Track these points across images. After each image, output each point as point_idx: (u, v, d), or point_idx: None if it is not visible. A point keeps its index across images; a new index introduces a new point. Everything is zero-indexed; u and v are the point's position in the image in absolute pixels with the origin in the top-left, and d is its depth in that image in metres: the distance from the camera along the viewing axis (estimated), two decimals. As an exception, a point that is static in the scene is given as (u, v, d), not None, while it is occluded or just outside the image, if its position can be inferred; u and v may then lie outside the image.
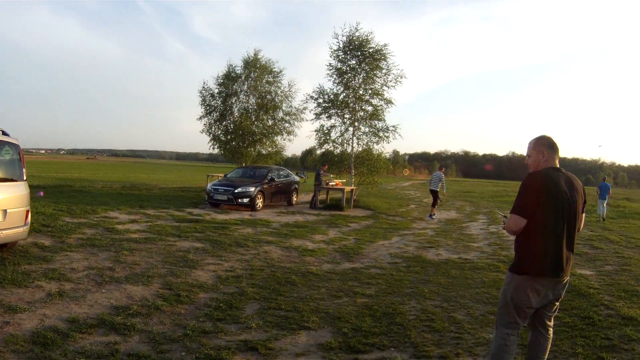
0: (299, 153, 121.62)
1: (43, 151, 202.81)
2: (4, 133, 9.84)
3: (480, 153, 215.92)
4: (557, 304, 4.69)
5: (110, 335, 5.90)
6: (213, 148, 35.21)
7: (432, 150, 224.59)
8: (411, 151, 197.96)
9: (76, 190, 26.25)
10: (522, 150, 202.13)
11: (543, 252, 4.32)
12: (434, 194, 24.43)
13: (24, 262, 9.12)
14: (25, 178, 9.94)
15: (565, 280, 4.51)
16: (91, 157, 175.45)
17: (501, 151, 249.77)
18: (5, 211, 8.93)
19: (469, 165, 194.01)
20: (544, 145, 4.62)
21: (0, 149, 9.59)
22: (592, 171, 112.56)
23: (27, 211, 9.68)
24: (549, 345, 4.81)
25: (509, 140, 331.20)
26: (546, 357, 4.80)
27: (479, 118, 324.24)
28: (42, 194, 20.43)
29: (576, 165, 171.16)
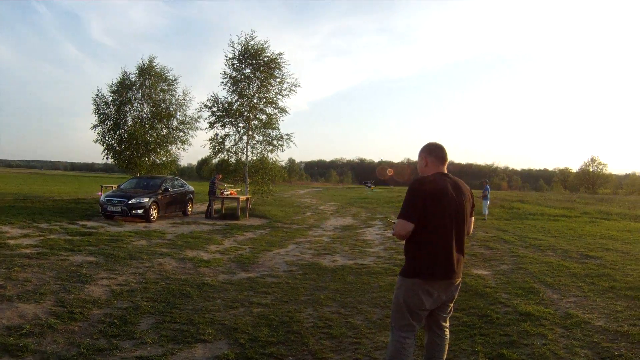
0: (194, 162, 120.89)
1: None
2: None
3: (376, 160, 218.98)
4: (451, 305, 4.72)
5: (3, 358, 5.63)
6: (107, 158, 34.19)
7: (328, 158, 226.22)
8: (307, 159, 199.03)
9: (-38, 203, 25.20)
10: (416, 156, 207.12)
11: (433, 255, 4.35)
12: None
13: None
14: None
15: (458, 281, 4.55)
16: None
17: (397, 158, 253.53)
18: None
19: (365, 172, 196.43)
20: (427, 152, 4.73)
21: None
22: (486, 175, 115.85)
23: None
24: (447, 346, 4.85)
25: (405, 147, 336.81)
26: (444, 357, 4.83)
27: (373, 126, 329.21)
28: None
29: (470, 170, 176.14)
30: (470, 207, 4.71)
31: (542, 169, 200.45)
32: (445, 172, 4.68)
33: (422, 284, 4.38)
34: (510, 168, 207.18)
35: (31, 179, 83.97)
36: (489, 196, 30.04)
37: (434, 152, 4.70)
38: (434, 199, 4.33)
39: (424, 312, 4.49)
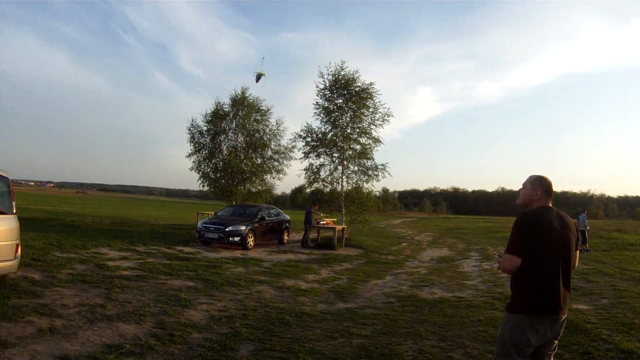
0: (288, 191, 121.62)
1: (32, 183, 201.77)
2: None
3: (470, 189, 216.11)
4: (556, 342, 4.60)
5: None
6: (203, 186, 35.07)
7: (421, 187, 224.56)
8: (400, 188, 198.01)
9: (66, 224, 26.14)
10: (511, 185, 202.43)
11: (539, 290, 4.30)
12: (583, 233, 26.69)
13: (13, 296, 8.98)
14: (14, 211, 9.78)
15: (563, 317, 4.46)
16: (81, 191, 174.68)
17: (490, 187, 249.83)
18: None
19: (459, 202, 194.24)
20: (542, 186, 4.60)
21: None
22: (581, 204, 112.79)
23: (17, 245, 9.48)
24: None
25: (498, 176, 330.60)
26: None
27: (466, 154, 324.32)
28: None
29: (565, 198, 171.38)
30: (575, 240, 4.60)
31: (638, 195, 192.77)
32: (550, 205, 4.60)
33: (528, 320, 4.31)
34: (607, 195, 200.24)
35: (127, 203, 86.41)
36: (586, 226, 28.99)
37: (544, 184, 4.59)
38: (541, 233, 4.30)
39: (529, 349, 4.39)
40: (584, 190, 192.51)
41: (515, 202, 4.84)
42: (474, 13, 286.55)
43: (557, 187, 4.67)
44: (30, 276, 11.01)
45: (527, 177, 4.73)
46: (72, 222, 27.33)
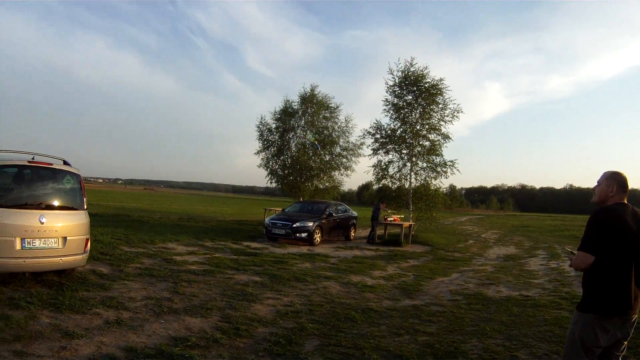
0: (355, 188, 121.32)
1: (101, 180, 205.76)
2: (65, 162, 10.23)
3: (537, 186, 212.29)
4: (626, 343, 4.58)
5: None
6: (271, 182, 35.56)
7: (488, 184, 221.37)
8: (467, 185, 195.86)
9: (134, 219, 26.81)
10: (579, 183, 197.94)
11: (611, 289, 4.28)
12: None
13: (82, 289, 9.30)
14: (85, 207, 10.17)
15: (634, 318, 4.44)
16: (149, 188, 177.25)
17: (558, 184, 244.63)
18: (65, 238, 9.21)
19: (526, 199, 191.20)
20: (617, 182, 4.58)
21: (61, 178, 9.95)
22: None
23: (87, 239, 9.90)
24: None
25: (567, 173, 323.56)
26: None
27: (533, 150, 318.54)
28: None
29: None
30: None
31: None
32: (626, 202, 4.59)
33: (598, 319, 4.33)
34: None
35: (194, 199, 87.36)
36: None
37: (619, 180, 4.59)
38: (615, 231, 4.29)
39: (598, 349, 4.41)
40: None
41: (590, 200, 4.83)
42: (540, 7, 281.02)
43: (633, 184, 4.64)
44: (98, 270, 11.39)
45: (602, 173, 4.72)
46: (139, 218, 27.98)
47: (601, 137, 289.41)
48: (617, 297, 4.29)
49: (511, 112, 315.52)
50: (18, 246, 8.53)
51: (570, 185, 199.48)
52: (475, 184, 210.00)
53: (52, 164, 9.69)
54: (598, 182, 4.71)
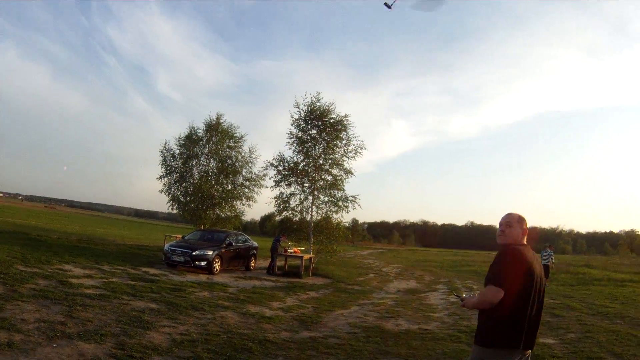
0: (257, 218, 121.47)
1: (0, 194, 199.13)
2: None
3: (439, 223, 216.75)
4: None
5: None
6: (172, 208, 35.06)
7: (391, 219, 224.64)
8: (370, 220, 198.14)
9: (32, 238, 25.77)
10: (480, 220, 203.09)
11: (514, 324, 4.36)
12: (546, 267, 26.10)
13: None
14: None
15: (529, 354, 4.54)
16: (49, 206, 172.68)
17: (460, 221, 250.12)
18: None
19: (428, 234, 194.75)
20: (524, 223, 4.77)
21: None
22: (550, 239, 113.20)
23: None
24: None
25: (468, 210, 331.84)
26: None
27: (437, 188, 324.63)
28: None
29: (534, 233, 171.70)
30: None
31: (607, 231, 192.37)
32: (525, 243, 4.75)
33: (498, 354, 4.36)
34: (575, 231, 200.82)
35: (95, 221, 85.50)
36: (550, 261, 28.68)
37: (526, 225, 4.78)
38: (526, 268, 4.43)
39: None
40: (554, 225, 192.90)
41: (497, 240, 4.83)
42: (452, 48, 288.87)
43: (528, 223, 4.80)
44: (-9, 289, 10.79)
45: (507, 215, 4.86)
46: (38, 237, 27.00)
47: (501, 178, 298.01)
48: (519, 333, 4.35)
49: (417, 150, 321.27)
50: None
51: (471, 222, 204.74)
52: (378, 219, 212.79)
53: None
54: (507, 224, 4.79)
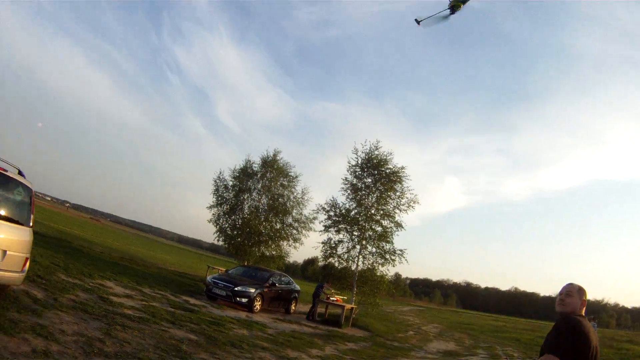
0: (300, 261, 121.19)
1: (49, 198, 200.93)
2: (20, 173, 9.74)
3: (482, 285, 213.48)
4: None
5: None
6: (218, 240, 35.09)
7: (433, 277, 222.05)
8: (413, 275, 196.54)
9: (75, 248, 26.17)
10: (524, 287, 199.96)
11: None
12: None
13: (13, 309, 8.87)
14: (31, 224, 9.60)
15: None
16: (95, 218, 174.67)
17: (504, 285, 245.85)
18: (4, 252, 8.53)
19: (470, 296, 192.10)
20: (584, 294, 4.80)
21: (13, 188, 9.40)
22: (595, 312, 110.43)
23: (27, 258, 9.27)
24: None
25: (513, 275, 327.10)
26: None
27: (483, 249, 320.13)
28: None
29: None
30: None
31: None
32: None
33: None
34: (621, 305, 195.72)
35: (138, 240, 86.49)
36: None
37: (586, 295, 4.78)
38: (585, 340, 4.34)
39: None
40: (599, 298, 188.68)
41: (555, 308, 4.83)
42: (511, 110, 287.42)
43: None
44: (32, 293, 10.92)
45: (568, 285, 4.88)
46: (81, 247, 27.40)
47: (551, 245, 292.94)
48: None
49: (466, 209, 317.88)
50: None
51: (515, 288, 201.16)
52: (421, 276, 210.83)
53: (6, 171, 9.15)
54: (567, 293, 4.81)
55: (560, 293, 4.83)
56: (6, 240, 8.63)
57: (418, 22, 16.22)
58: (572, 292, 4.77)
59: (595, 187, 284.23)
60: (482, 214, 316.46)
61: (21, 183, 9.54)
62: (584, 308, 4.73)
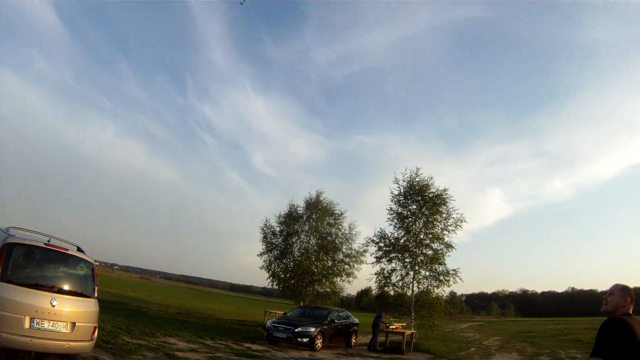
0: (354, 293, 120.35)
1: (97, 263, 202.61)
2: (80, 249, 10.52)
3: (539, 291, 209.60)
4: None
5: None
6: (272, 284, 35.51)
7: (489, 290, 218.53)
8: (468, 292, 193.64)
9: (133, 309, 26.86)
10: (581, 285, 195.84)
11: None
12: None
13: None
14: (96, 295, 10.34)
15: None
16: (145, 277, 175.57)
17: (560, 287, 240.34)
18: (74, 324, 9.40)
19: (528, 304, 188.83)
20: (630, 295, 4.89)
21: (75, 264, 10.19)
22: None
23: (95, 327, 10.10)
24: None
25: (568, 276, 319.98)
26: None
27: (535, 254, 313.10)
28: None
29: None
30: None
31: None
32: (631, 312, 4.84)
33: None
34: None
35: (191, 294, 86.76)
36: None
37: (632, 294, 4.89)
38: (627, 340, 4.49)
39: None
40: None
41: (601, 308, 5.02)
42: (541, 112, 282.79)
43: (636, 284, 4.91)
44: (101, 358, 11.48)
45: (613, 285, 5.03)
46: (138, 308, 28.01)
47: (602, 239, 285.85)
48: None
49: (512, 217, 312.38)
50: (27, 325, 8.70)
51: (572, 288, 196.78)
52: (476, 290, 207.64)
53: (67, 250, 10.00)
54: (612, 292, 4.97)
55: (604, 293, 5.00)
56: (74, 313, 9.48)
57: (241, 2, 16.34)
58: (615, 290, 4.94)
59: (634, 171, 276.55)
60: (529, 219, 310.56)
61: (83, 259, 10.36)
62: (632, 306, 4.85)
